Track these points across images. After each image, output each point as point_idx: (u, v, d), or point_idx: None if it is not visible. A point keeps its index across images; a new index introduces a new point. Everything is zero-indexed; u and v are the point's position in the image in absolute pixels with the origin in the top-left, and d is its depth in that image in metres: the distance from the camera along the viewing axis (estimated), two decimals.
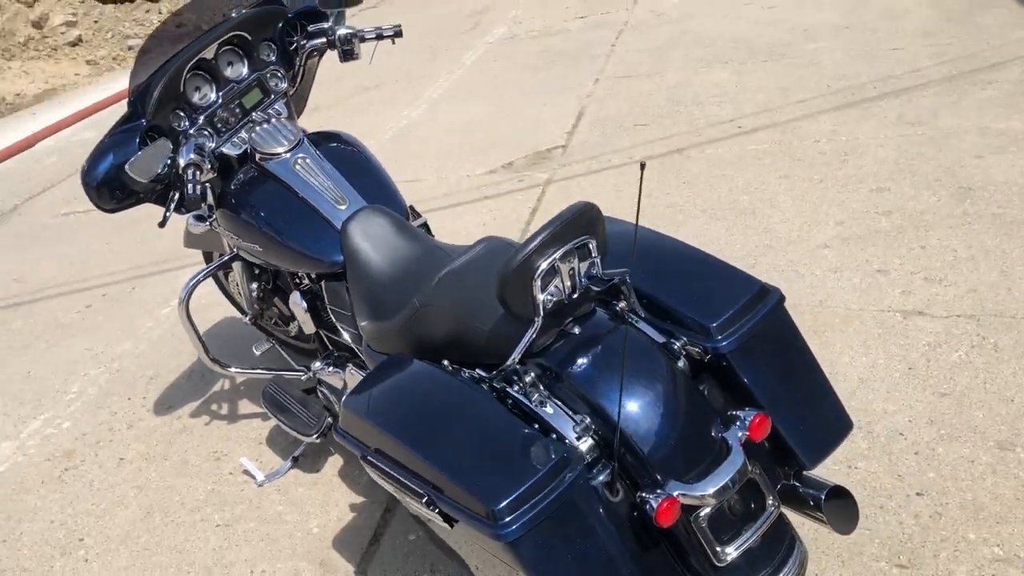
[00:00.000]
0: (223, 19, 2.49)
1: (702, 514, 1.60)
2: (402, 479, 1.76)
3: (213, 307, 3.58)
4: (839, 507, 1.82)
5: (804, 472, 1.86)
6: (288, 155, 2.41)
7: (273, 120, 2.47)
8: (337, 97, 6.71)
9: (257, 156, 2.42)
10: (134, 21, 10.17)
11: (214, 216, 2.56)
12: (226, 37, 2.44)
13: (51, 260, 4.66)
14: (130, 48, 9.65)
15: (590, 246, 1.69)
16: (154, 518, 2.66)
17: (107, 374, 3.48)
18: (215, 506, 2.66)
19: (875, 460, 2.31)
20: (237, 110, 2.48)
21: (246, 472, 2.73)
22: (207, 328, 3.56)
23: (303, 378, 2.74)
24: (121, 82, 8.31)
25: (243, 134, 2.48)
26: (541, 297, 1.64)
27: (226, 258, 2.70)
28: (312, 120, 6.57)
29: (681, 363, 1.78)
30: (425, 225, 2.59)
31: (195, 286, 2.69)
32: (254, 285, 2.78)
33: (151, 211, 2.54)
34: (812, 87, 4.92)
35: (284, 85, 2.56)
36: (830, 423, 1.85)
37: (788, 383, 1.82)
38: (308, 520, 2.52)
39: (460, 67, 6.90)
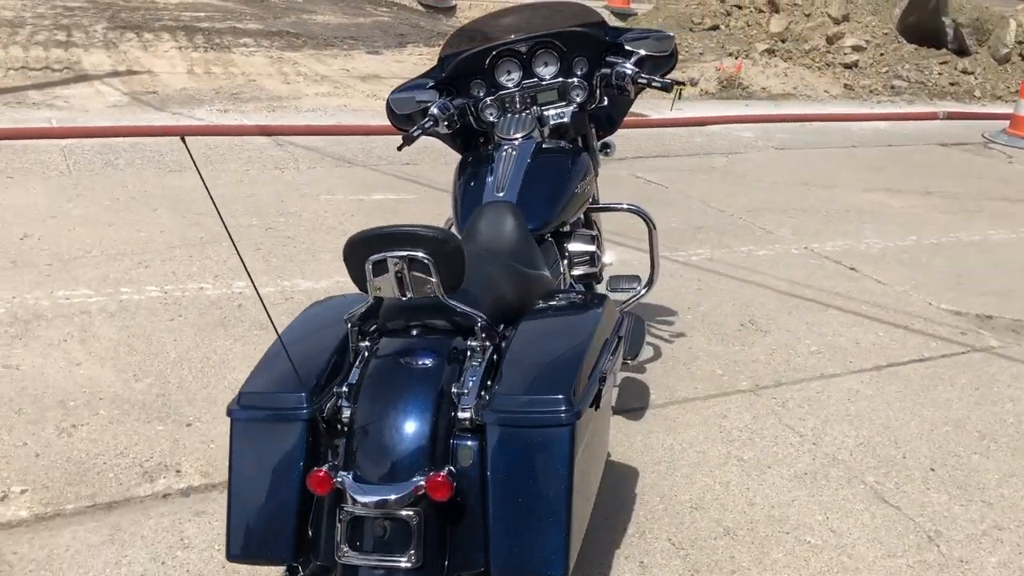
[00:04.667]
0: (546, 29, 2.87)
1: (345, 509, 1.71)
2: None
3: None
4: None
5: None
6: (516, 143, 2.75)
7: (526, 115, 2.81)
8: (901, 193, 6.11)
9: (497, 134, 2.82)
10: (915, 66, 10.22)
11: None
12: (542, 40, 2.83)
13: None
14: (892, 87, 9.82)
15: (428, 264, 1.81)
16: None
17: None
18: None
19: None
20: (528, 100, 2.87)
21: None
22: None
23: None
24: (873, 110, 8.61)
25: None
26: (371, 279, 1.86)
27: None
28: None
29: (467, 413, 1.81)
30: (594, 254, 2.72)
31: None
32: None
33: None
34: None
35: (579, 98, 2.84)
36: (535, 557, 1.69)
37: (524, 494, 1.72)
38: None
39: None
